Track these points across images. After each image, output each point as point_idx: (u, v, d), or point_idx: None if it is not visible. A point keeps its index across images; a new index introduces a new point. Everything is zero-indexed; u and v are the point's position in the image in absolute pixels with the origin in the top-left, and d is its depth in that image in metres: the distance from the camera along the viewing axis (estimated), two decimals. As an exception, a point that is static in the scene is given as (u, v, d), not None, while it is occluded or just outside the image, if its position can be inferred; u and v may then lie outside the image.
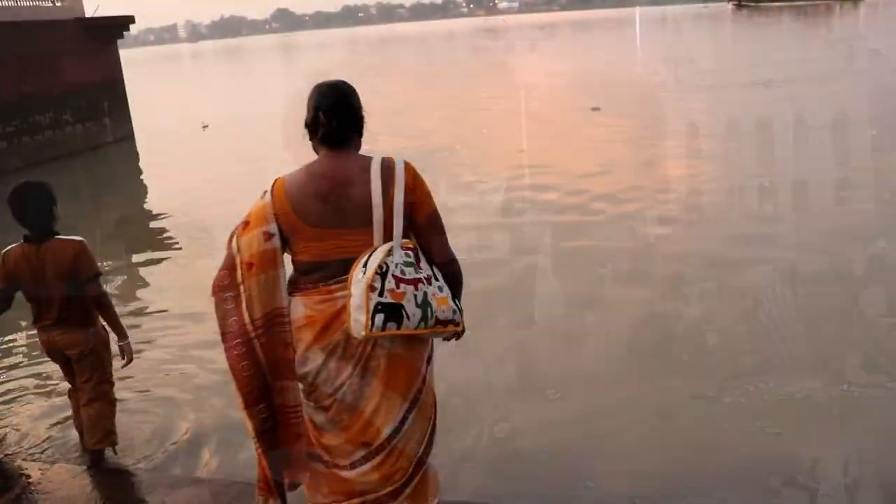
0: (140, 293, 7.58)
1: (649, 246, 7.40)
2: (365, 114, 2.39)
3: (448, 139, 14.83)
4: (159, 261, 8.92)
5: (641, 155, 11.69)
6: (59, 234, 3.62)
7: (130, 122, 18.95)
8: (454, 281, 2.35)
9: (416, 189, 2.30)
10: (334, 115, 2.30)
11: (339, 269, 2.25)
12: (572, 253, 7.36)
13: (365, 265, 2.17)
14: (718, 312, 5.73)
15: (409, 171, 2.31)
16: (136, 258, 8.98)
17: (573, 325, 5.66)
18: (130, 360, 3.83)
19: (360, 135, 2.40)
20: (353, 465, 2.36)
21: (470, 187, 10.42)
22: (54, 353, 3.76)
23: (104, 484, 3.70)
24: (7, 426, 4.48)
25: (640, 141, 12.89)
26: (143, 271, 8.44)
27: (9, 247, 3.62)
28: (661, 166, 10.99)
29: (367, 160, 2.31)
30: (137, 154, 17.56)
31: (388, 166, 2.28)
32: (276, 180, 2.34)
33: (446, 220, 2.37)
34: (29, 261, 3.54)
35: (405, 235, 2.30)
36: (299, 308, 2.31)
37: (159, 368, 5.48)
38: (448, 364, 3.18)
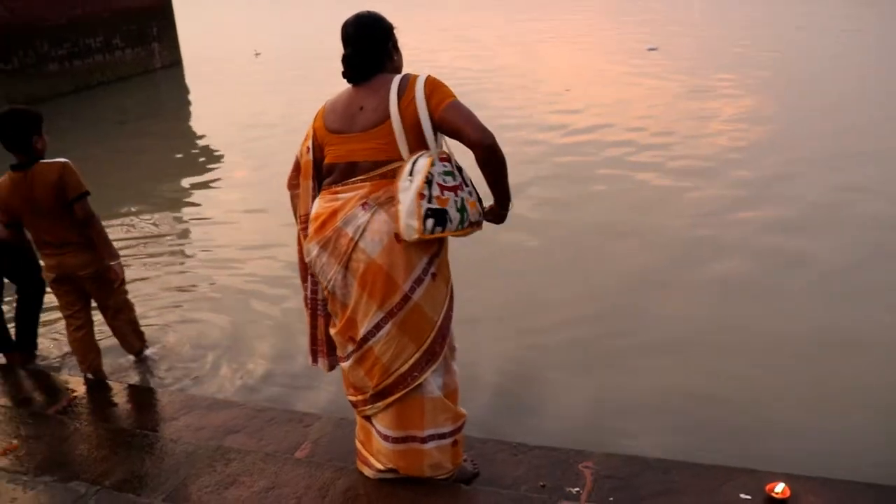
0: (187, 210, 7.73)
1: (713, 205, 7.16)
2: (398, 34, 2.59)
3: (493, 74, 14.50)
4: (207, 180, 9.03)
5: (698, 99, 11.25)
6: (43, 159, 3.62)
7: (179, 48, 18.88)
8: (495, 160, 2.41)
9: (435, 91, 2.41)
10: (348, 60, 2.52)
11: (346, 172, 2.50)
12: (619, 202, 7.15)
13: (411, 174, 2.35)
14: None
15: (430, 80, 2.44)
16: (184, 177, 9.10)
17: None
18: (122, 281, 3.87)
19: (387, 62, 2.55)
20: (346, 357, 2.64)
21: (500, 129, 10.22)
22: (64, 279, 3.79)
23: (143, 402, 3.83)
24: (53, 342, 4.62)
25: (698, 84, 12.40)
26: (190, 190, 8.56)
27: None
28: (716, 110, 10.58)
29: (390, 77, 2.48)
30: (185, 79, 17.58)
31: (407, 79, 2.44)
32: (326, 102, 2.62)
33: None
34: (18, 188, 3.59)
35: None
36: (314, 207, 2.58)
37: (206, 289, 5.61)
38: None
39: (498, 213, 2.61)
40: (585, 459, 3.01)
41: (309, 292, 2.76)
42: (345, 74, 2.55)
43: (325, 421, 3.44)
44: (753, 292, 5.09)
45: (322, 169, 2.60)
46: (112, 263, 3.78)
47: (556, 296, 5.19)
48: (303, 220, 2.67)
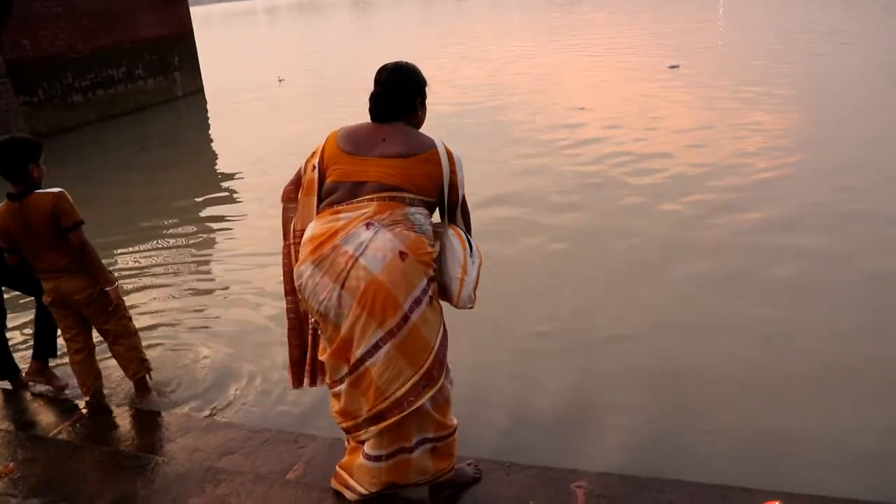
0: (203, 238, 7.79)
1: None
2: (428, 90, 2.72)
3: (508, 92, 14.55)
4: (226, 203, 9.14)
5: (721, 114, 11.08)
6: (39, 188, 3.66)
7: (200, 77, 19.25)
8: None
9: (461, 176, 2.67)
10: (377, 98, 2.63)
11: (350, 191, 2.53)
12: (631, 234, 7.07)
13: (472, 253, 2.61)
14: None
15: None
16: (203, 205, 9.19)
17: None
18: (117, 306, 3.91)
19: (410, 113, 2.67)
20: (338, 381, 2.60)
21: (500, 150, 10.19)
22: (61, 303, 3.84)
23: (142, 424, 3.85)
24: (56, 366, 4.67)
25: (720, 100, 12.22)
26: (208, 217, 8.63)
27: None
28: (740, 125, 10.43)
29: (417, 132, 2.65)
30: (207, 107, 17.87)
31: (450, 153, 2.62)
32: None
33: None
34: (15, 216, 3.63)
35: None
36: (309, 230, 2.56)
37: (208, 313, 5.64)
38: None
39: None
40: (579, 479, 2.96)
41: (291, 306, 2.81)
42: (371, 110, 2.65)
43: (320, 442, 3.43)
44: (756, 304, 4.99)
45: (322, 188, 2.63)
46: (108, 289, 3.84)
47: (552, 310, 5.15)
48: (297, 235, 2.69)
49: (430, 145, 2.58)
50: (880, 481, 3.20)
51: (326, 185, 2.60)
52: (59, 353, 4.44)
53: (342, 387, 2.59)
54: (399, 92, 2.62)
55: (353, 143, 2.59)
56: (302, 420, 3.95)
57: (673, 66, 16.13)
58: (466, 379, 3.78)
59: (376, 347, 2.46)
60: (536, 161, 9.21)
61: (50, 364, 4.42)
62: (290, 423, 3.93)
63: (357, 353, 2.48)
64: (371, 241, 2.42)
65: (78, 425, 3.80)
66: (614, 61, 18.36)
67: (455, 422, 2.74)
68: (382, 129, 2.60)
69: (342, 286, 2.44)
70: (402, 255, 2.42)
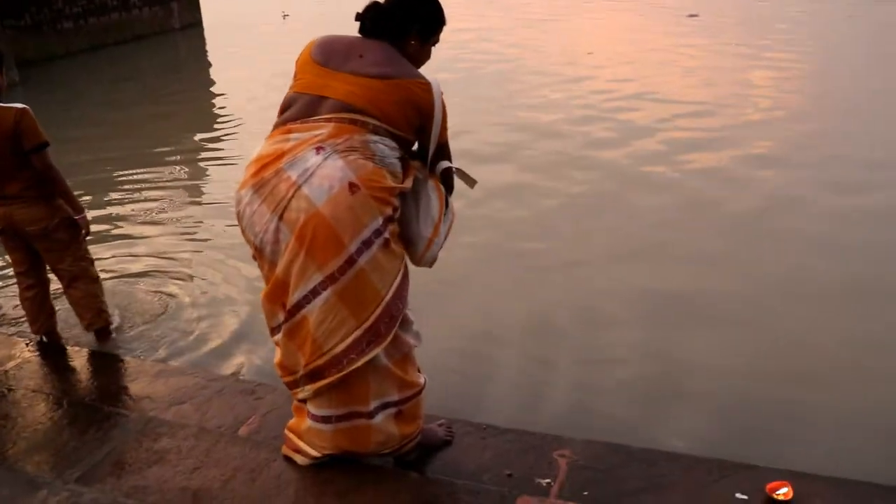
0: (189, 177, 7.40)
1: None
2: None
3: (514, 39, 14.04)
4: (220, 139, 8.74)
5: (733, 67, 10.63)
6: (0, 101, 3.25)
7: (199, 9, 18.56)
8: None
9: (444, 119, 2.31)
10: (367, 8, 2.25)
11: (308, 107, 2.17)
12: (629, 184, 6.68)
13: (447, 207, 2.30)
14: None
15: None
16: (191, 141, 8.77)
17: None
18: (87, 234, 3.58)
19: (405, 37, 2.24)
20: (276, 329, 2.28)
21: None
22: (11, 232, 3.46)
23: (90, 367, 3.54)
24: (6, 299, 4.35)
25: (738, 51, 11.77)
26: (194, 156, 8.22)
27: None
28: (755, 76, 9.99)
29: (409, 64, 2.23)
30: (205, 41, 17.24)
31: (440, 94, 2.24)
32: None
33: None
34: None
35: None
36: (255, 151, 2.21)
37: (186, 249, 5.33)
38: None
39: None
40: (562, 447, 2.65)
41: None
42: (361, 18, 2.25)
43: (279, 394, 3.09)
44: (764, 265, 4.66)
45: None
46: (76, 217, 3.49)
47: (538, 264, 4.82)
48: None
49: (413, 74, 2.19)
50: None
51: (286, 97, 2.24)
52: None
53: (279, 336, 2.26)
54: (397, 9, 2.21)
55: (325, 53, 2.22)
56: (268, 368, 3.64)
57: (692, 15, 15.75)
58: (440, 330, 3.49)
59: (314, 293, 2.11)
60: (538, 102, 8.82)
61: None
62: (256, 372, 3.63)
63: (293, 297, 2.14)
64: (319, 167, 2.06)
65: (21, 367, 3.48)
66: (632, 9, 17.79)
67: (423, 380, 2.41)
68: (364, 44, 2.22)
69: (280, 217, 2.09)
70: (351, 186, 2.05)
